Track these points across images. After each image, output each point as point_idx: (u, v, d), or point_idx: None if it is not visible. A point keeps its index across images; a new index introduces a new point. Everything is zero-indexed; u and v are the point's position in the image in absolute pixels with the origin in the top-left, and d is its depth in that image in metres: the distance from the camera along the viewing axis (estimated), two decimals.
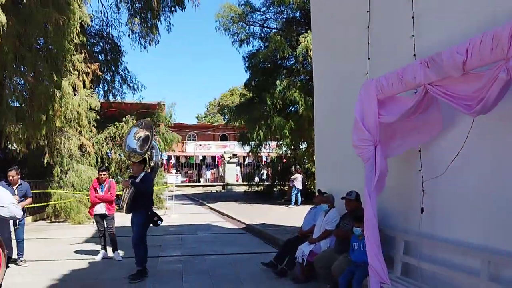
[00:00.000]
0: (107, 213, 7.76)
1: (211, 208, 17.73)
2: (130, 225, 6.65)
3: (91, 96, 14.39)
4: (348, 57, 6.34)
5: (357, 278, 4.69)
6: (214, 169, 37.86)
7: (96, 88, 17.65)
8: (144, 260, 6.44)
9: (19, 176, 7.46)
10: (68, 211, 13.33)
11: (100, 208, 7.76)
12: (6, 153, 14.83)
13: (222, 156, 35.72)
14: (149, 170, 6.93)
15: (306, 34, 17.76)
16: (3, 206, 3.43)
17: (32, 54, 11.62)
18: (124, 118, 16.94)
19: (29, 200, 7.56)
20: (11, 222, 3.71)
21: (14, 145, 12.58)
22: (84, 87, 14.07)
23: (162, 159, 33.09)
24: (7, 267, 3.72)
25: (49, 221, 13.74)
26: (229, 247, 8.91)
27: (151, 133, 6.79)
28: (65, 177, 13.80)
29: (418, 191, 4.37)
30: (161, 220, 6.74)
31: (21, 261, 7.29)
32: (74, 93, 13.61)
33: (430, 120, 4.10)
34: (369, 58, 5.39)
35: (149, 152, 7.02)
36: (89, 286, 6.00)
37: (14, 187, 7.32)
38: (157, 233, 10.67)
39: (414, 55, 4.45)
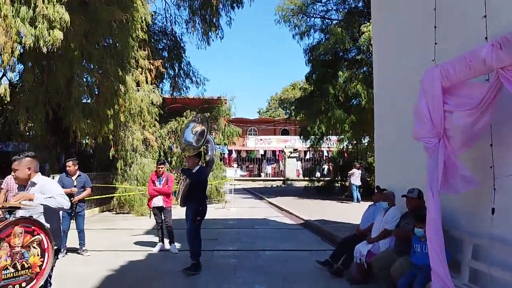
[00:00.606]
0: (164, 206, 7.86)
1: (270, 202, 17.63)
2: (185, 218, 6.66)
3: (153, 91, 14.76)
4: (412, 44, 5.89)
5: (418, 282, 4.33)
6: (275, 164, 37.80)
7: (160, 84, 18.16)
8: (198, 253, 6.42)
9: (77, 168, 7.72)
10: (131, 203, 13.79)
11: (158, 201, 7.87)
12: (78, 147, 15.68)
13: (282, 151, 35.56)
14: (204, 164, 6.89)
15: (368, 23, 17.06)
16: (50, 197, 3.48)
17: (98, 51, 12.09)
18: (185, 113, 17.27)
19: (88, 190, 7.81)
20: (61, 213, 3.72)
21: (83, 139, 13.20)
22: (147, 83, 14.45)
23: (224, 153, 33.62)
24: (57, 258, 3.79)
25: (115, 212, 14.30)
26: (285, 243, 8.73)
27: (207, 127, 6.76)
28: (129, 170, 14.28)
29: (489, 190, 3.92)
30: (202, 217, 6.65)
31: (83, 250, 7.59)
32: (138, 88, 14.02)
33: (503, 109, 3.65)
34: (436, 43, 4.94)
35: (204, 146, 7.01)
36: (144, 278, 6.08)
37: (73, 178, 7.61)
38: (215, 226, 10.75)
39: (486, 38, 3.98)
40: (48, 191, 3.56)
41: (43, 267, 3.34)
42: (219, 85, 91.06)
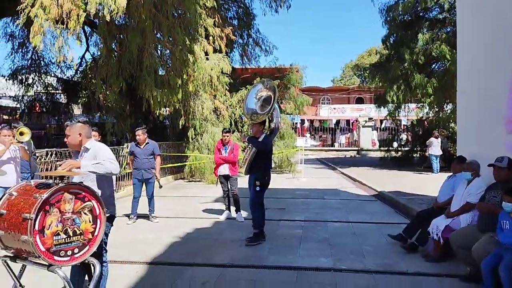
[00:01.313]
0: (230, 174, 7.76)
1: (342, 173, 17.10)
2: (248, 187, 6.49)
3: (223, 60, 14.63)
4: None
5: (505, 264, 3.78)
6: (349, 134, 36.72)
7: (231, 53, 18.02)
8: (261, 223, 6.24)
9: (146, 136, 7.81)
10: (202, 171, 14.01)
11: (224, 169, 7.78)
12: (152, 117, 16.17)
13: (357, 120, 34.33)
14: (268, 132, 6.62)
15: None
16: (98, 163, 3.39)
17: (168, 21, 12.11)
18: (255, 82, 17.03)
19: (158, 159, 7.92)
20: (114, 178, 3.65)
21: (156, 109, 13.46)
22: (216, 51, 14.34)
23: (296, 123, 33.22)
24: (111, 225, 3.75)
25: (187, 180, 14.65)
26: (355, 214, 8.30)
27: (274, 95, 6.44)
28: (200, 139, 14.47)
29: None
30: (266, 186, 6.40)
31: (152, 217, 7.75)
32: (206, 57, 13.97)
33: None
34: None
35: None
36: (207, 246, 6.03)
37: (142, 146, 7.71)
38: (283, 196, 10.57)
39: None
40: (98, 156, 3.48)
41: (95, 234, 3.28)
42: (290, 54, 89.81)
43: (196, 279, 4.61)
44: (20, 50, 18.80)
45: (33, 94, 22.15)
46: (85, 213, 3.21)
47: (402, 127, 29.66)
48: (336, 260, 5.34)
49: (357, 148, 32.56)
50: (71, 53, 8.85)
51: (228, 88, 15.36)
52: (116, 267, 4.97)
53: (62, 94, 22.51)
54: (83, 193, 3.21)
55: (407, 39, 17.21)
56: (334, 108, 38.03)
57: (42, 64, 19.73)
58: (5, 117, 38.30)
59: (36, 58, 19.62)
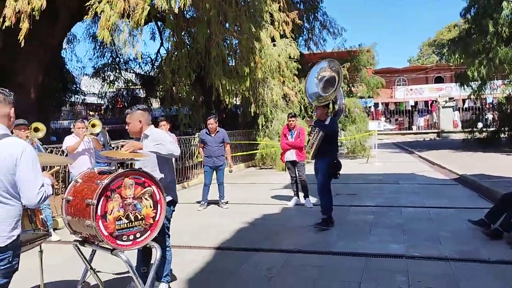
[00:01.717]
0: (297, 160, 7.63)
1: (420, 156, 16.23)
2: (314, 173, 6.33)
3: (290, 45, 14.44)
4: None
5: None
6: (428, 115, 34.77)
7: (297, 38, 17.74)
8: (329, 208, 6.06)
9: (217, 124, 7.91)
10: (273, 158, 13.99)
11: (291, 155, 7.67)
12: (222, 106, 16.42)
13: (436, 101, 32.38)
14: (332, 115, 6.40)
15: None
16: (159, 144, 3.43)
17: (233, 9, 12.15)
18: None
19: (228, 147, 8.00)
20: (173, 160, 3.70)
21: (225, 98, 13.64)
22: (282, 37, 14.17)
23: (369, 107, 32.12)
24: (173, 210, 3.80)
25: (258, 167, 14.74)
26: (432, 199, 7.81)
27: (338, 76, 6.20)
28: (270, 126, 14.44)
29: None
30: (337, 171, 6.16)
31: (222, 203, 7.87)
32: (273, 44, 13.86)
33: None
34: None
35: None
36: (274, 232, 5.99)
37: (213, 135, 7.81)
38: (355, 181, 10.25)
39: None
40: (159, 140, 3.53)
41: (156, 219, 3.34)
42: (359, 35, 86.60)
43: (262, 264, 4.57)
44: (101, 49, 20.02)
45: (114, 90, 23.58)
46: (145, 199, 3.28)
47: (487, 106, 27.58)
48: (409, 246, 5.04)
49: (437, 131, 30.79)
50: (136, 46, 9.16)
51: (296, 74, 15.15)
52: (184, 252, 5.09)
53: (141, 89, 23.70)
54: (143, 179, 3.28)
55: (490, 9, 15.79)
56: (411, 89, 36.14)
57: (122, 61, 20.89)
58: (91, 113, 41.22)
59: (116, 56, 20.84)
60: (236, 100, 15.13)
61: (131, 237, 3.20)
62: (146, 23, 14.07)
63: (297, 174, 7.70)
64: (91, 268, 3.62)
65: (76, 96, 23.53)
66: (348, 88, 17.70)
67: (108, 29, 7.46)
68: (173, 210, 3.78)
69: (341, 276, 4.16)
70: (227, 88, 12.46)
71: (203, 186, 7.91)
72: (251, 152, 14.74)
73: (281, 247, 5.20)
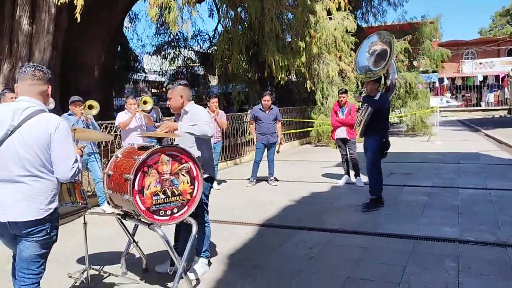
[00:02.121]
0: (348, 138, 7.40)
1: (486, 135, 15.24)
2: (363, 151, 6.11)
3: (347, 18, 13.89)
4: None
5: None
6: (498, 91, 32.45)
7: (355, 11, 17.04)
8: (377, 188, 5.85)
9: (272, 102, 7.82)
10: (329, 135, 13.70)
11: (341, 132, 7.46)
12: (275, 82, 16.27)
13: (508, 75, 30.08)
14: (384, 90, 6.10)
15: None
16: (194, 125, 3.43)
17: None
18: None
19: (279, 125, 7.91)
20: (212, 141, 3.69)
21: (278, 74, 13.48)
22: (339, 9, 13.65)
23: (434, 82, 30.51)
24: (210, 187, 3.81)
25: (314, 145, 14.55)
26: (496, 180, 7.30)
27: (390, 49, 5.87)
28: (325, 102, 14.12)
29: None
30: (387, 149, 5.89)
31: (271, 180, 7.85)
32: (329, 17, 13.41)
33: None
34: None
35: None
36: (321, 210, 5.88)
37: (267, 111, 7.73)
38: (411, 160, 9.86)
39: None
40: (195, 119, 3.52)
41: (193, 195, 3.37)
42: (425, 5, 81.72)
43: (305, 243, 4.52)
44: (162, 28, 20.42)
45: (174, 67, 24.10)
46: (182, 175, 3.30)
47: None
48: (463, 230, 4.76)
49: (508, 107, 28.71)
50: (187, 23, 9.18)
51: (353, 48, 14.59)
52: (228, 227, 5.15)
53: (199, 67, 24.05)
54: (180, 155, 3.30)
55: None
56: (480, 63, 33.76)
57: (181, 39, 21.22)
58: (154, 90, 42.68)
59: (175, 34, 21.20)
60: (290, 76, 14.87)
61: (168, 212, 3.25)
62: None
63: (348, 152, 7.49)
64: (134, 241, 3.74)
65: (138, 74, 24.37)
66: (409, 62, 16.85)
67: (157, 6, 7.54)
68: (211, 187, 3.79)
69: (386, 259, 4.01)
70: (280, 64, 12.26)
71: (253, 163, 7.92)
72: (305, 129, 14.55)
73: (325, 226, 5.11)
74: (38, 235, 2.46)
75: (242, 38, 12.35)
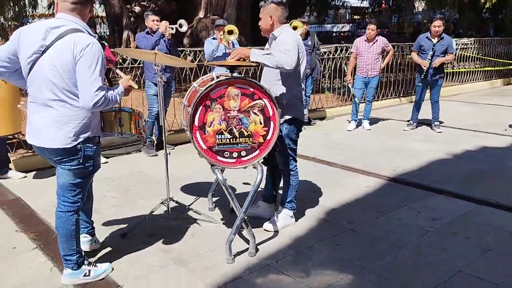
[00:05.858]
0: None
1: None
2: None
3: None
4: None
5: None
6: None
7: None
8: None
9: (442, 28, 6.33)
10: None
11: None
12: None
13: None
14: None
15: None
16: (269, 53, 2.76)
17: None
18: None
19: (451, 56, 6.44)
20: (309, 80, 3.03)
21: None
22: None
23: None
24: (297, 130, 3.12)
25: None
26: None
27: None
28: None
29: None
30: None
31: (435, 126, 6.59)
32: None
33: None
34: None
35: None
36: (480, 172, 4.66)
37: (434, 41, 6.33)
38: None
39: None
40: (277, 46, 2.87)
41: (267, 138, 2.84)
42: None
43: (431, 211, 3.57)
44: None
45: None
46: (254, 113, 2.80)
47: None
48: None
49: None
50: None
51: None
52: (344, 174, 4.47)
53: None
54: (252, 89, 2.77)
55: None
56: None
57: None
58: (356, 16, 41.28)
59: None
60: None
61: (235, 154, 2.82)
62: None
63: None
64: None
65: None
66: None
67: None
68: (299, 130, 3.16)
69: None
70: None
71: (413, 104, 6.75)
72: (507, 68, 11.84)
73: (473, 195, 3.95)
74: (70, 163, 2.35)
75: None
